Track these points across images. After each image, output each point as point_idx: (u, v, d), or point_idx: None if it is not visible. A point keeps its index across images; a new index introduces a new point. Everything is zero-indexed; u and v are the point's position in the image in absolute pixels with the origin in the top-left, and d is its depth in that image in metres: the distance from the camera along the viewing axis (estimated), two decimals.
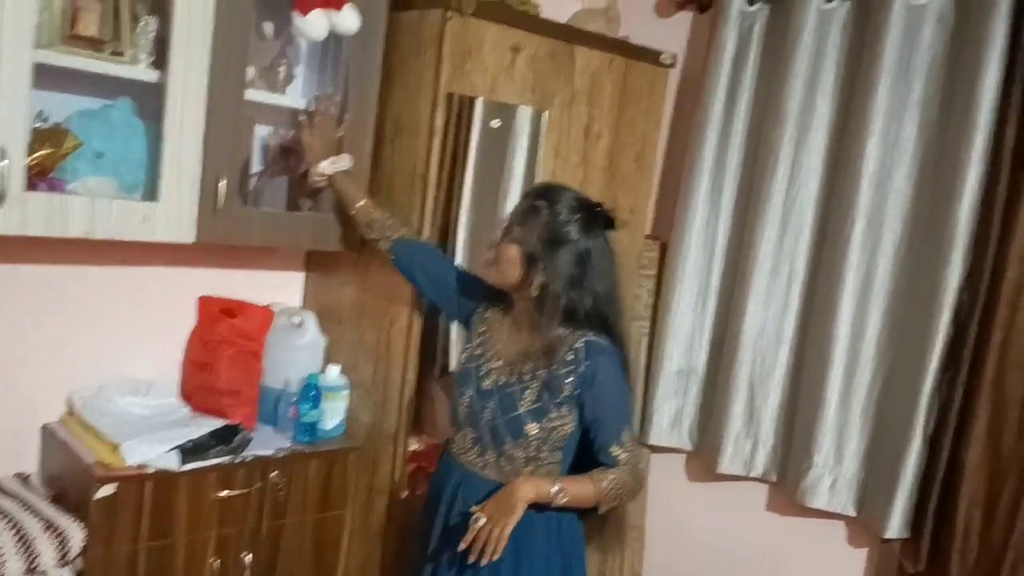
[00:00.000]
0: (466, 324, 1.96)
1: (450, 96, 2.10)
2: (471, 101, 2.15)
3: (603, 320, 1.74)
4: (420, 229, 2.13)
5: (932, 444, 2.14)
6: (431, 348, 2.26)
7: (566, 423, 1.73)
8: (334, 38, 2.06)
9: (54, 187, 1.76)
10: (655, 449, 2.75)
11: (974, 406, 2.05)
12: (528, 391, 1.73)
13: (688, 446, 2.69)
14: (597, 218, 1.74)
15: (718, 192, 2.58)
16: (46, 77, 1.76)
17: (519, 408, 1.73)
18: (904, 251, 2.22)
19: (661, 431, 2.69)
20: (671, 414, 2.69)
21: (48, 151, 1.72)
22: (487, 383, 1.79)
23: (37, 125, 1.79)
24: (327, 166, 2.07)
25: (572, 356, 1.71)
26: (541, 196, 1.74)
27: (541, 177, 2.33)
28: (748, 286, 2.45)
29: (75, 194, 1.82)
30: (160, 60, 1.88)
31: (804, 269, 2.42)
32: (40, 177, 1.74)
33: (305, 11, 1.92)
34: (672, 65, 2.62)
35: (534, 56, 2.26)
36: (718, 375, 2.57)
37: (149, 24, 1.91)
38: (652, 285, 2.76)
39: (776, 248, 2.42)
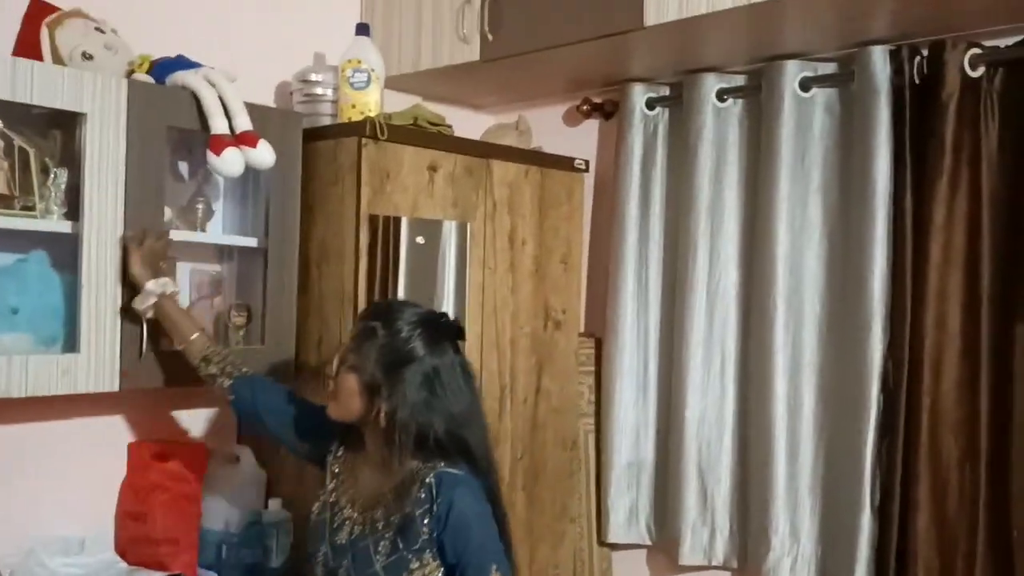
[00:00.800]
0: (321, 466, 1.76)
1: (373, 217, 2.12)
2: (394, 220, 2.17)
3: (462, 446, 1.58)
4: None
5: (881, 514, 2.15)
6: None
7: (431, 572, 1.53)
8: (252, 171, 2.09)
9: None
10: (614, 547, 2.72)
11: (915, 472, 2.09)
12: (383, 542, 1.54)
13: (647, 540, 2.66)
14: (442, 330, 1.61)
15: (644, 286, 2.63)
16: None
17: (375, 564, 1.53)
18: (827, 327, 2.29)
19: (618, 527, 2.66)
20: (626, 509, 2.67)
21: None
22: (341, 537, 1.60)
23: None
24: (152, 287, 1.82)
25: (424, 493, 1.52)
26: (376, 316, 1.62)
27: (471, 288, 2.35)
28: (685, 376, 2.48)
29: None
30: (73, 211, 1.87)
31: (735, 353, 2.47)
32: None
33: (219, 151, 1.94)
34: (586, 170, 2.71)
35: (452, 173, 2.31)
36: (667, 466, 2.57)
37: (59, 176, 1.90)
38: (592, 381, 2.77)
39: (706, 336, 2.47)
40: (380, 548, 1.53)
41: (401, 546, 1.52)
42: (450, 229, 2.31)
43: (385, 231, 2.16)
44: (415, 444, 1.55)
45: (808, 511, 2.30)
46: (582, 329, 2.81)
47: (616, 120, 2.72)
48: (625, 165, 2.63)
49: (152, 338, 1.95)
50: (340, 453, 1.72)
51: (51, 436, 2.13)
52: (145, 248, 1.85)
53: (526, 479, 2.55)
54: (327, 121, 2.33)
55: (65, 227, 1.87)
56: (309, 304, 2.23)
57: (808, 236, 2.31)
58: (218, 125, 1.94)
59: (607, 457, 2.66)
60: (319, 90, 2.34)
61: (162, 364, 1.98)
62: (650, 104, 2.63)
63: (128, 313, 1.88)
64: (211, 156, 1.94)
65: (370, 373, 1.56)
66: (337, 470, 1.71)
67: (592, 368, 2.79)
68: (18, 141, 1.86)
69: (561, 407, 2.65)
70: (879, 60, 2.15)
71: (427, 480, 1.53)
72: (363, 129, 2.10)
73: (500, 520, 1.61)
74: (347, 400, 1.59)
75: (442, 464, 1.56)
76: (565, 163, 2.64)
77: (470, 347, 2.32)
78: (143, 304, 1.84)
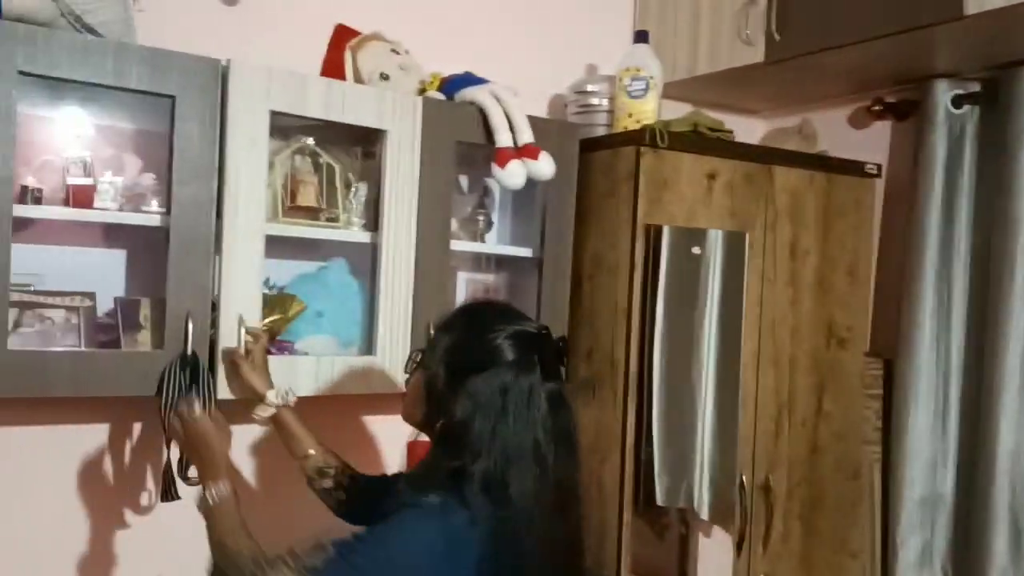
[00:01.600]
0: None
1: (648, 228, 2.08)
2: (670, 231, 2.11)
3: (500, 489, 1.26)
4: (627, 367, 2.08)
5: None
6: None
7: None
8: (530, 183, 2.11)
9: (283, 349, 1.85)
10: None
11: None
12: None
13: None
14: (536, 345, 1.33)
15: (946, 304, 2.38)
16: (270, 247, 1.91)
17: None
18: None
19: (908, 568, 2.42)
20: (918, 548, 2.42)
21: (277, 316, 1.83)
22: None
23: (264, 291, 1.91)
24: (273, 398, 1.69)
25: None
26: (462, 313, 1.43)
27: (748, 301, 2.23)
28: (997, 404, 2.20)
29: (302, 354, 1.92)
30: (371, 222, 1.99)
31: None
32: (271, 341, 1.85)
33: (503, 163, 1.98)
34: (877, 175, 2.49)
35: (731, 181, 2.22)
36: (971, 503, 2.30)
37: (360, 190, 2.03)
38: (879, 405, 2.55)
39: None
40: None
41: None
42: (727, 241, 2.20)
43: (659, 241, 2.10)
44: (448, 471, 1.28)
45: None
46: (868, 348, 2.58)
47: (913, 121, 2.48)
48: (926, 170, 2.38)
49: None
50: None
51: (345, 432, 2.28)
52: (254, 356, 1.72)
53: (803, 508, 2.39)
54: (601, 132, 2.31)
55: (364, 237, 1.99)
56: (580, 316, 2.22)
57: None
58: (503, 139, 1.99)
59: (897, 489, 2.43)
60: (594, 100, 2.34)
61: None
62: (956, 102, 2.36)
63: (417, 318, 1.96)
64: (496, 168, 1.99)
65: (434, 373, 1.35)
66: None
67: (879, 391, 2.56)
68: (325, 158, 2.01)
69: (844, 432, 2.46)
70: None
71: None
72: (642, 138, 2.06)
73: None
74: (412, 402, 1.43)
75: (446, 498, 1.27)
76: (854, 168, 2.45)
77: (746, 363, 2.21)
78: (264, 414, 1.70)
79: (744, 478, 2.23)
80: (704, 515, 2.16)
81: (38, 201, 1.66)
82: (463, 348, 1.34)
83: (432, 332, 1.45)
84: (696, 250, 2.16)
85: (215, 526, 1.41)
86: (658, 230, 2.09)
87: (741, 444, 2.20)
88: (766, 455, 2.30)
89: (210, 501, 1.43)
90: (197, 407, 1.53)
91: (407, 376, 1.48)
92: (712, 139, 2.19)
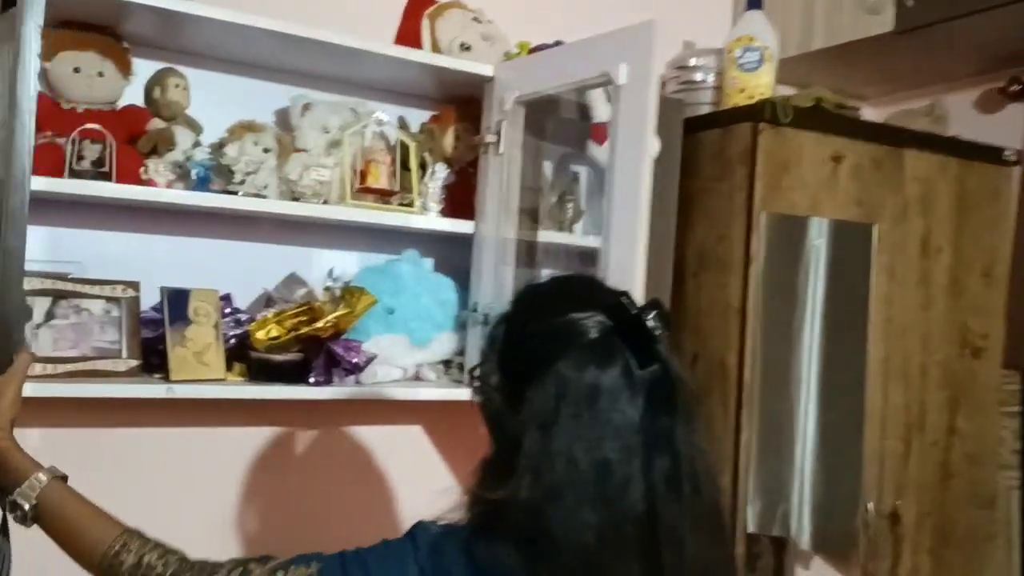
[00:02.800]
0: None
1: (768, 217, 1.80)
2: (793, 221, 1.84)
3: (534, 527, 0.89)
4: (740, 375, 1.80)
5: None
6: None
7: None
8: None
9: (351, 349, 1.62)
10: None
11: None
12: None
13: None
14: (615, 324, 0.94)
15: None
16: (334, 234, 1.68)
17: None
18: None
19: None
20: None
21: (343, 311, 1.60)
22: None
23: (328, 285, 1.69)
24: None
25: None
26: (517, 299, 1.06)
27: (875, 303, 1.94)
28: None
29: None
30: (452, 208, 1.76)
31: None
32: (334, 338, 1.62)
33: (602, 140, 1.73)
34: (1017, 163, 2.18)
35: (858, 165, 1.93)
36: None
37: (437, 172, 1.80)
38: (1016, 425, 2.23)
39: None
40: None
41: None
42: (854, 233, 1.92)
43: (781, 233, 1.83)
44: (477, 507, 0.97)
45: None
46: (1003, 360, 2.27)
47: None
48: None
49: None
50: None
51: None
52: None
53: (933, 540, 2.08)
54: (706, 111, 2.05)
55: (442, 225, 1.75)
56: (683, 318, 1.95)
57: None
58: (602, 112, 1.73)
59: None
60: (698, 76, 2.08)
61: None
62: None
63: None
64: (593, 146, 1.74)
65: (490, 387, 1.00)
66: None
67: (1016, 409, 2.24)
68: (400, 136, 1.78)
69: (978, 454, 2.15)
70: None
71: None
72: (760, 113, 1.79)
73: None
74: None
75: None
76: (991, 155, 2.14)
77: (873, 372, 1.92)
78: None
79: (870, 506, 1.94)
80: (805, 544, 1.89)
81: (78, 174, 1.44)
82: (516, 346, 0.98)
83: (487, 336, 1.06)
84: (819, 243, 1.88)
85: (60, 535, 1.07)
86: (779, 219, 1.81)
87: (865, 466, 1.91)
88: (894, 480, 2.00)
89: (27, 507, 1.07)
90: None
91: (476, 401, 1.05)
92: (840, 116, 1.91)
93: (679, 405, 0.94)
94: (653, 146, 1.63)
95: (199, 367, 1.52)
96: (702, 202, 1.93)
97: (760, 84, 1.93)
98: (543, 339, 0.95)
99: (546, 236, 1.89)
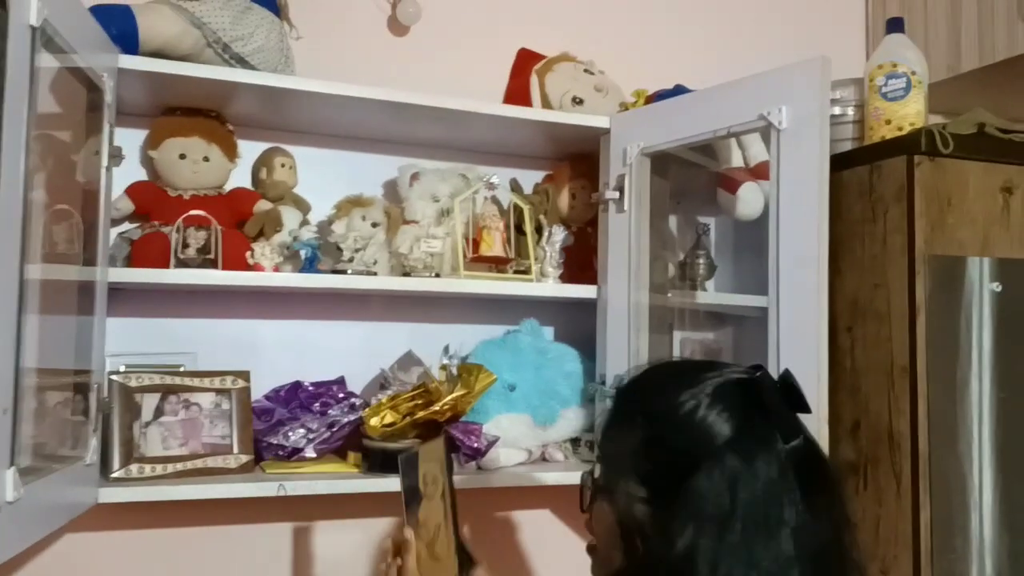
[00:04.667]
0: None
1: (933, 259, 1.58)
2: (962, 263, 1.61)
3: None
4: (915, 444, 1.57)
5: None
6: None
7: None
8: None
9: (470, 433, 1.49)
10: None
11: None
12: None
13: None
14: (761, 394, 0.85)
15: None
16: (449, 307, 1.59)
17: None
18: None
19: None
20: None
21: (460, 392, 1.48)
22: None
23: (444, 363, 1.57)
24: None
25: None
26: (633, 390, 0.95)
27: None
28: None
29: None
30: (571, 272, 1.63)
31: None
32: (451, 421, 1.49)
33: (733, 188, 1.57)
34: None
35: None
36: None
37: (555, 235, 1.67)
38: None
39: None
40: None
41: None
42: None
43: (946, 278, 1.61)
44: None
45: None
46: None
47: None
48: None
49: None
50: None
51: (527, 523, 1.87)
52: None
53: None
54: (848, 147, 1.85)
55: (563, 291, 1.62)
56: (838, 380, 1.73)
57: None
58: (732, 157, 1.58)
59: None
60: (836, 110, 1.88)
61: None
62: None
63: None
64: (723, 195, 1.59)
65: (624, 496, 0.87)
66: None
67: None
68: (513, 198, 1.67)
69: None
70: None
71: None
72: (916, 144, 1.59)
73: None
74: (605, 549, 0.91)
75: None
76: None
77: None
78: None
79: None
80: None
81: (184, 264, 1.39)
82: (655, 442, 0.87)
83: (598, 437, 0.98)
84: (996, 287, 1.64)
85: None
86: (945, 262, 1.59)
87: None
88: None
89: None
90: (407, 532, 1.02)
91: (586, 514, 0.95)
92: (1007, 141, 1.68)
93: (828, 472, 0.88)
94: (824, 191, 1.45)
95: (432, 566, 1.04)
96: (851, 248, 1.72)
97: (909, 113, 1.72)
98: (691, 427, 0.84)
99: (679, 297, 1.73)
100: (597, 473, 0.92)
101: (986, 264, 1.64)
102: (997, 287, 1.65)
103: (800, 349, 1.44)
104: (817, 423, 1.38)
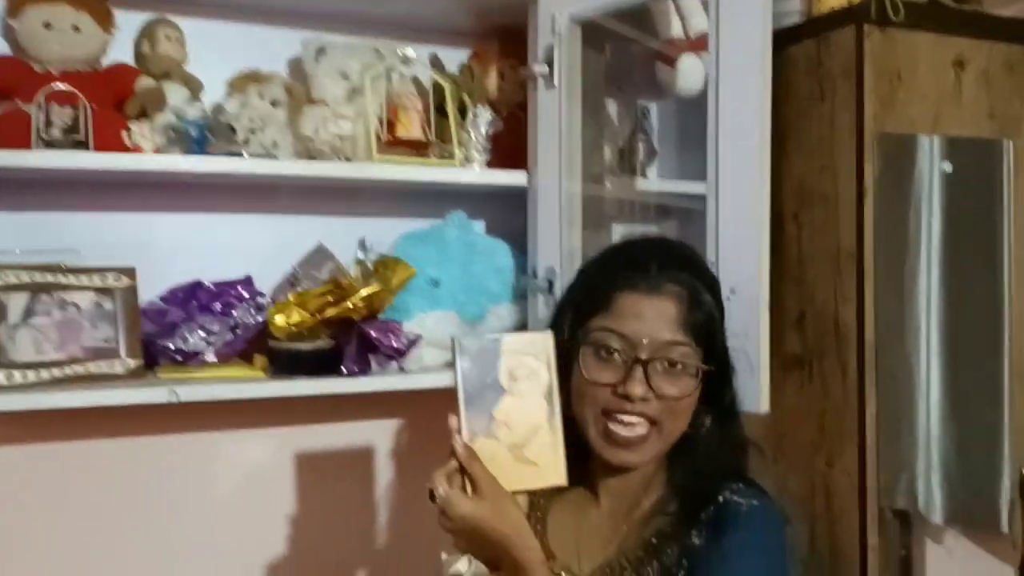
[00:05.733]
0: None
1: (883, 138, 1.48)
2: (912, 142, 1.51)
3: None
4: (860, 334, 1.50)
5: None
6: None
7: None
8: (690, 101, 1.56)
9: (389, 331, 1.37)
10: None
11: None
12: None
13: None
14: None
15: None
16: (364, 199, 1.45)
17: None
18: None
19: None
20: None
21: (376, 287, 1.34)
22: None
23: (359, 257, 1.44)
24: None
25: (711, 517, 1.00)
26: (687, 260, 1.07)
27: (1014, 246, 1.61)
28: None
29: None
30: (500, 160, 1.49)
31: None
32: (368, 320, 1.37)
33: (672, 61, 1.43)
34: None
35: (986, 70, 1.59)
36: None
37: (480, 117, 1.52)
38: None
39: None
40: None
41: None
42: (983, 151, 1.59)
43: (896, 159, 1.51)
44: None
45: None
46: None
47: None
48: None
49: None
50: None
51: None
52: None
53: None
54: (795, 20, 1.72)
55: (488, 178, 1.49)
56: (784, 270, 1.64)
57: None
58: (671, 28, 1.44)
59: None
60: None
61: None
62: None
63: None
64: (662, 69, 1.46)
65: (696, 362, 1.01)
66: None
67: None
68: (433, 75, 1.51)
69: None
70: None
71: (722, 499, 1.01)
72: (865, 13, 1.47)
73: None
74: (679, 420, 1.02)
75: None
76: None
77: (1015, 319, 1.60)
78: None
79: None
80: (936, 518, 1.60)
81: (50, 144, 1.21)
82: (720, 310, 1.06)
83: (683, 309, 1.01)
84: (947, 167, 1.55)
85: None
86: (894, 141, 1.49)
87: (1011, 428, 1.59)
88: None
89: None
90: (442, 487, 0.93)
91: (643, 398, 0.99)
92: (960, 12, 1.57)
93: None
94: (767, 63, 1.32)
95: (519, 469, 0.93)
96: (797, 130, 1.61)
97: None
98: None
99: (617, 185, 1.61)
100: (693, 356, 1.01)
101: (936, 143, 1.54)
102: (948, 167, 1.56)
103: (741, 237, 1.32)
104: (758, 318, 1.29)
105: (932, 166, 1.55)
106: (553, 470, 0.94)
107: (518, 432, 0.92)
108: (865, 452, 1.50)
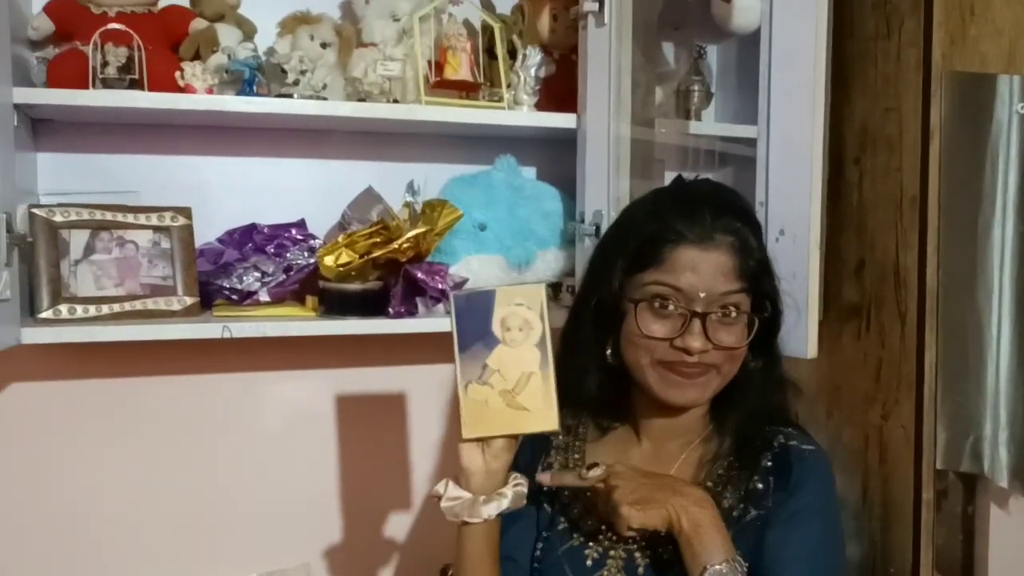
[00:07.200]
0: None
1: (955, 77, 1.41)
2: (985, 82, 1.44)
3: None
4: (921, 282, 1.44)
5: None
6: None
7: None
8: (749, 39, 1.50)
9: (435, 274, 1.37)
10: None
11: None
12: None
13: None
14: None
15: None
16: (413, 143, 1.45)
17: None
18: None
19: None
20: None
21: (423, 229, 1.35)
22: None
23: (407, 200, 1.44)
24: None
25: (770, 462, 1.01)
26: (737, 208, 1.05)
27: None
28: None
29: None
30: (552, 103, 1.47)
31: None
32: (414, 262, 1.37)
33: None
34: None
35: None
36: None
37: (530, 58, 1.50)
38: None
39: None
40: None
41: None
42: None
43: (968, 100, 1.44)
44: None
45: None
46: None
47: None
48: None
49: None
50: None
51: None
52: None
53: None
54: None
55: (537, 120, 1.46)
56: (842, 216, 1.59)
57: None
58: None
59: None
60: None
61: None
62: None
63: None
64: (718, 5, 1.40)
65: (749, 309, 1.02)
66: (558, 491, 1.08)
67: None
68: (483, 16, 1.49)
69: None
70: None
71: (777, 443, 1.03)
72: None
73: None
74: (736, 363, 1.03)
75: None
76: None
77: None
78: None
79: None
80: (1002, 481, 1.55)
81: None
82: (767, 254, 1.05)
83: (735, 254, 1.01)
84: (1019, 108, 1.47)
85: None
86: (965, 80, 1.42)
87: None
88: None
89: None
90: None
91: (701, 349, 0.99)
92: None
93: None
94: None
95: (511, 415, 0.97)
96: (862, 68, 1.55)
97: None
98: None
99: (670, 128, 1.57)
100: (747, 304, 1.01)
101: (1015, 83, 1.46)
102: (1023, 109, 1.48)
103: (791, 176, 1.27)
104: (807, 259, 1.25)
105: (1010, 109, 1.47)
106: (544, 416, 0.97)
107: (511, 379, 0.96)
108: (923, 405, 1.46)
